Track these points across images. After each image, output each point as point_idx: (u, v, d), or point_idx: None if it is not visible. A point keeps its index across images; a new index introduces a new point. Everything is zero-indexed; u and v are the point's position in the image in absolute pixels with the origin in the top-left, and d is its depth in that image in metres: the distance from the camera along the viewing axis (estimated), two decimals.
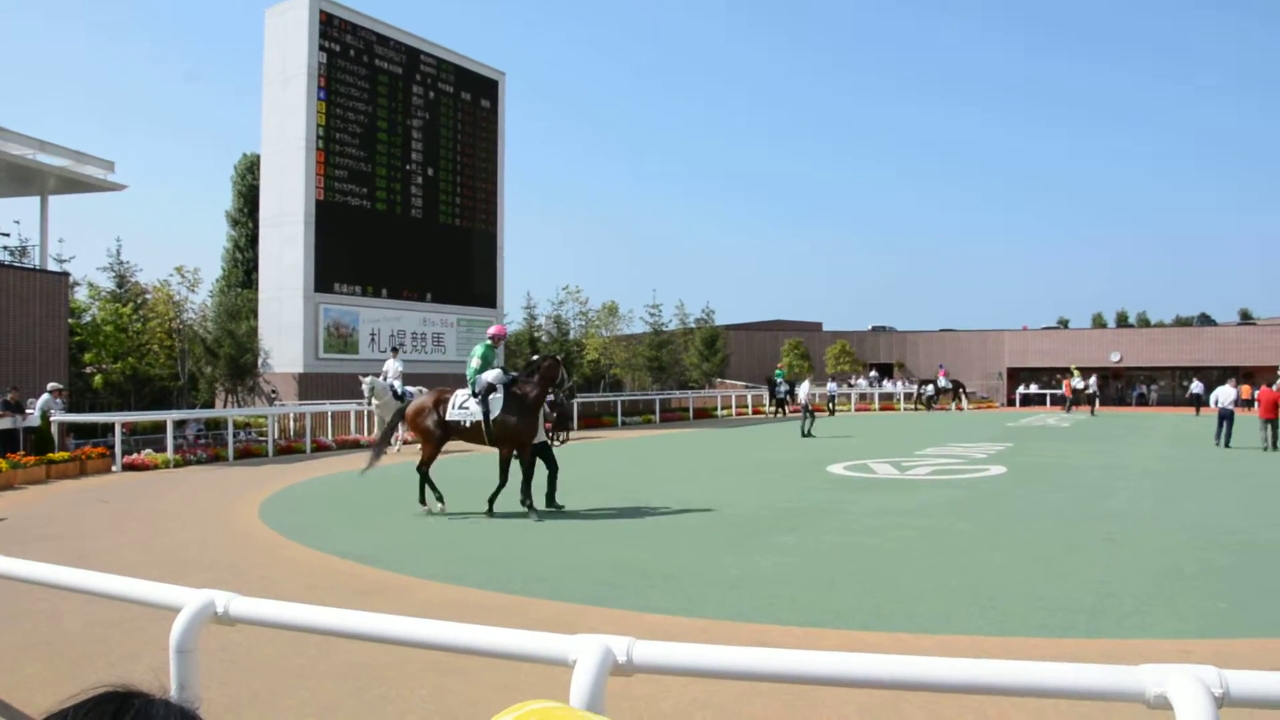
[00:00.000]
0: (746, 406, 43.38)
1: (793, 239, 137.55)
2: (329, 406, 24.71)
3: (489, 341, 12.67)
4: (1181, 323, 58.52)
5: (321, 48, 28.76)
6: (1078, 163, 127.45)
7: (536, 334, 47.79)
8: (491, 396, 11.96)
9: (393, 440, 24.07)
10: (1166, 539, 10.03)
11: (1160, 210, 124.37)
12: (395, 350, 23.49)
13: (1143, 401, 52.82)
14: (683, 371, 47.57)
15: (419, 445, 13.05)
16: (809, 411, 27.59)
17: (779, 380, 40.44)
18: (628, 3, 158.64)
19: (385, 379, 22.08)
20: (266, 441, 22.03)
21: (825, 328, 61.43)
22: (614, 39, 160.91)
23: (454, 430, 12.15)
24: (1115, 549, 9.45)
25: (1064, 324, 59.20)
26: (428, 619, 2.73)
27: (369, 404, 22.08)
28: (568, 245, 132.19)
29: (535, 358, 12.87)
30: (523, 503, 11.93)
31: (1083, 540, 9.92)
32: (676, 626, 6.66)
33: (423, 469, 12.24)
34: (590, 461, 20.07)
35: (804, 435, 26.40)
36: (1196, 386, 42.85)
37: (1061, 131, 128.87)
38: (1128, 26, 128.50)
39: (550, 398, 13.34)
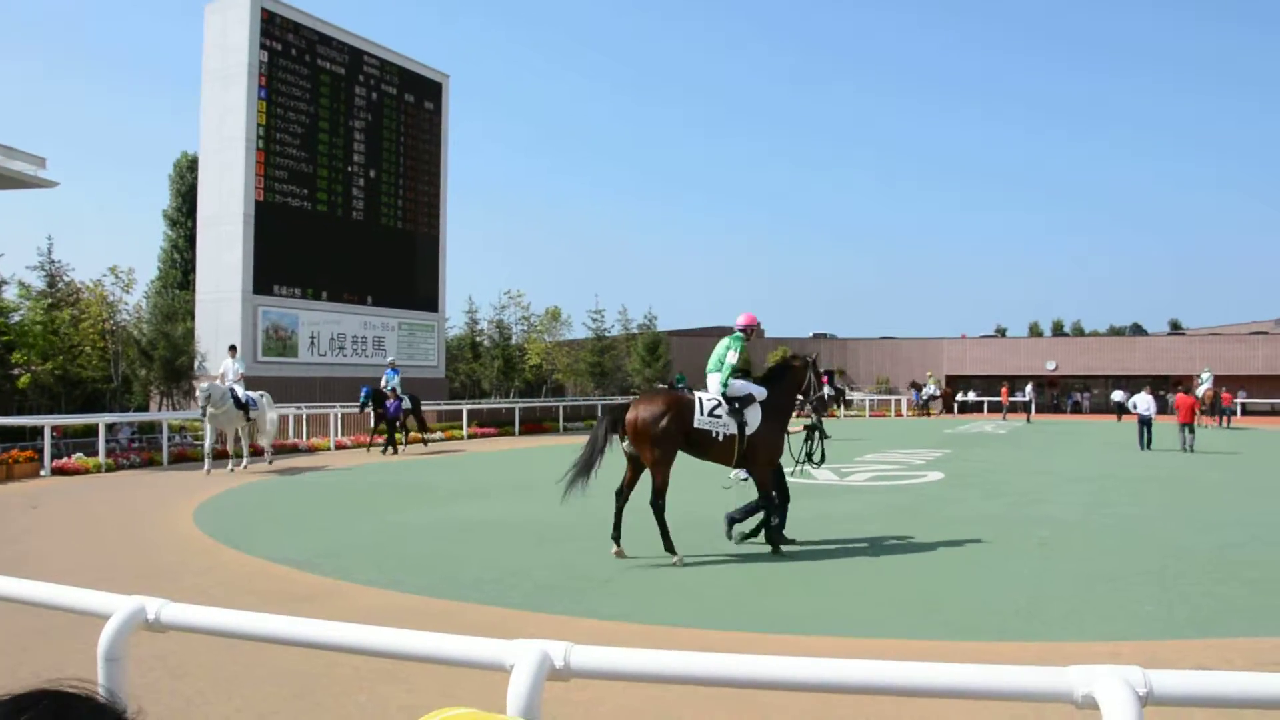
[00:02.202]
0: None
1: (736, 244, 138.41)
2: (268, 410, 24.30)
3: (740, 334, 10.19)
4: (1115, 332, 59.83)
5: (263, 46, 28.36)
6: (1018, 173, 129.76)
7: (478, 338, 47.58)
8: (749, 407, 9.79)
9: (399, 442, 24.23)
10: (1097, 543, 10.26)
11: (1095, 222, 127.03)
12: (233, 349, 20.65)
13: (1077, 409, 54.03)
14: (625, 377, 47.62)
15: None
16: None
17: (680, 385, 38.32)
18: (573, 7, 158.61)
19: (224, 382, 19.40)
20: (202, 446, 21.60)
21: (767, 334, 61.85)
22: (560, 42, 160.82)
23: (696, 442, 9.67)
24: (1049, 553, 9.64)
25: (1001, 332, 60.23)
26: (363, 624, 2.71)
27: (203, 414, 18.65)
28: (511, 249, 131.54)
29: (785, 358, 10.73)
30: (753, 532, 10.30)
31: (1018, 545, 10.10)
32: (617, 631, 6.66)
33: (659, 502, 9.48)
34: (531, 466, 20.01)
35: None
36: (1118, 395, 45.03)
37: (1003, 139, 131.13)
38: (1074, 25, 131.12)
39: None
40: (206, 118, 29.02)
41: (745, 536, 10.30)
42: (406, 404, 24.07)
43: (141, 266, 58.83)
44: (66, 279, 30.87)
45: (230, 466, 19.07)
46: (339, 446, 24.53)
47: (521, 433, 31.34)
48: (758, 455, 9.83)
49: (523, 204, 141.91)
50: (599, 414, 11.71)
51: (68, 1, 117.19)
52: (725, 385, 9.80)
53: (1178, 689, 2.12)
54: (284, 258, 28.91)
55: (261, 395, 19.23)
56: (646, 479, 9.49)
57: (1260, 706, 2.11)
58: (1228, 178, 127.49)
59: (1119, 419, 41.45)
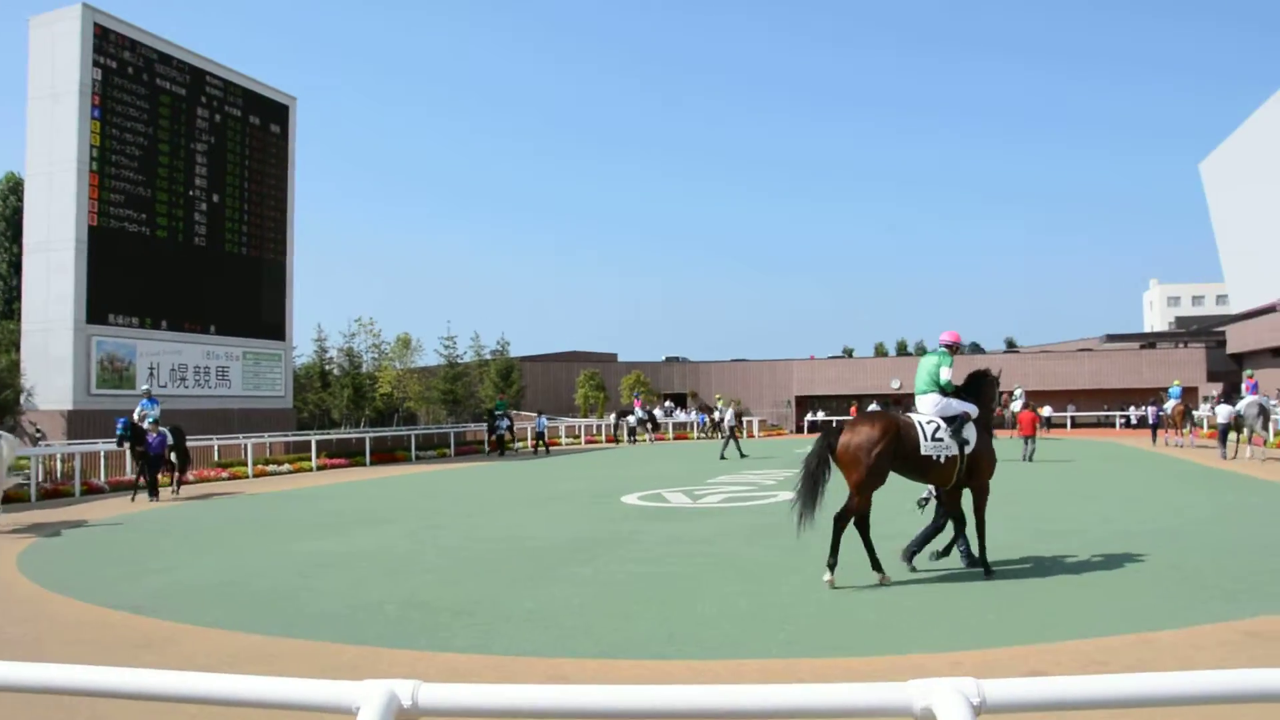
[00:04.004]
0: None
1: (587, 271, 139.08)
2: (101, 446, 23.11)
3: (944, 350, 9.90)
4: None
5: (96, 63, 27.13)
6: (862, 195, 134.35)
7: (327, 367, 46.49)
8: (966, 426, 9.43)
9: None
10: (942, 557, 10.61)
11: (935, 247, 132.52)
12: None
13: None
14: (478, 404, 47.21)
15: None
16: (730, 435, 31.29)
17: (499, 412, 36.62)
18: (422, 36, 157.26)
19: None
20: (29, 485, 20.38)
21: (620, 358, 62.35)
22: (409, 69, 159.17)
23: (917, 466, 9.31)
24: (897, 567, 9.92)
25: (849, 353, 62.06)
26: (199, 671, 2.60)
27: None
28: (361, 276, 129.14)
29: (980, 371, 10.19)
30: (958, 552, 9.92)
31: (867, 561, 10.35)
32: (470, 665, 6.57)
33: (863, 525, 9.19)
34: (383, 496, 19.62)
35: (722, 457, 29.31)
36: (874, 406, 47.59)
37: (851, 158, 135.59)
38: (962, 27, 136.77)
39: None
40: (34, 137, 27.54)
41: (938, 555, 10.07)
42: (169, 439, 20.60)
43: None
44: None
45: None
46: (181, 482, 23.47)
47: (373, 462, 30.64)
48: (980, 472, 9.57)
49: (376, 230, 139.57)
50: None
51: None
52: (945, 405, 9.45)
53: (1009, 696, 2.25)
54: (120, 285, 27.63)
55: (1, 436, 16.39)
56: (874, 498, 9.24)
57: (1086, 707, 2.24)
58: (1055, 211, 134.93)
59: None
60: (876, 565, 9.10)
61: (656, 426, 46.03)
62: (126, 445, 20.14)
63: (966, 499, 9.69)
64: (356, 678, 2.50)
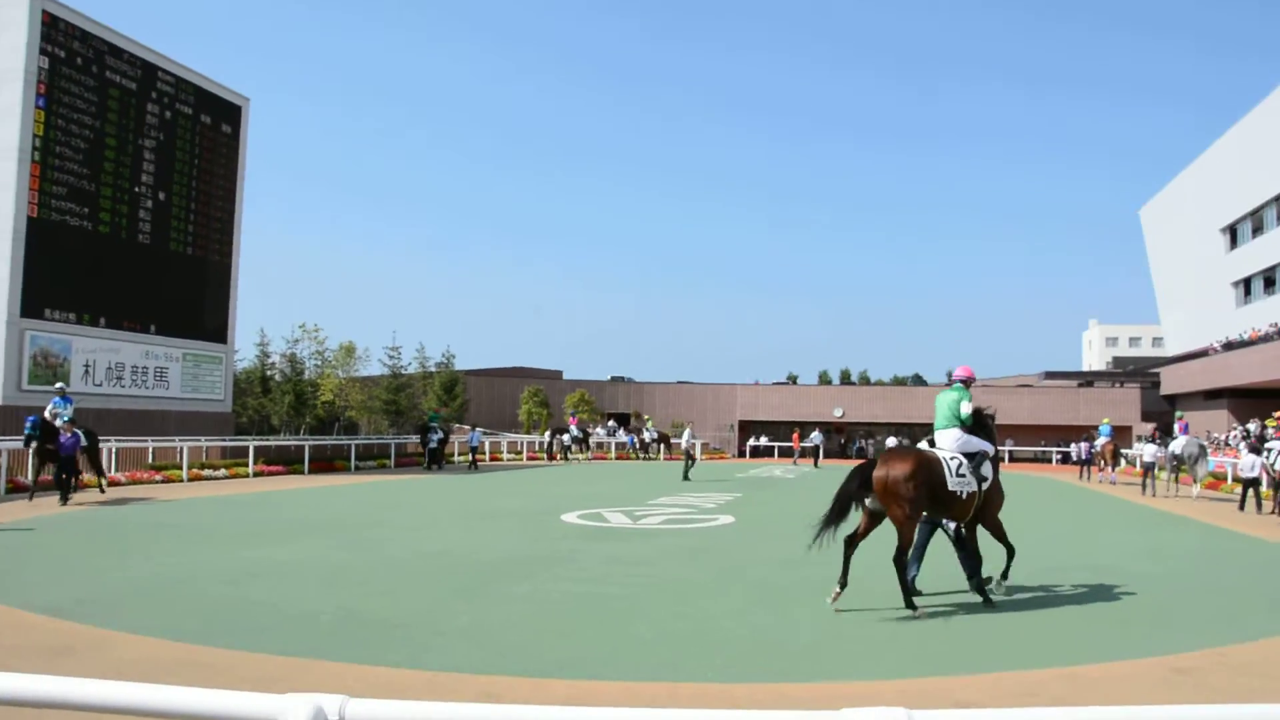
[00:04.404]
0: (484, 453, 43.07)
1: (536, 287, 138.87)
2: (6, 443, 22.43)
3: (961, 385, 10.10)
4: (898, 382, 63.05)
5: (44, 51, 26.58)
6: (803, 236, 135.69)
7: (269, 372, 45.88)
8: (984, 463, 9.64)
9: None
10: (881, 584, 10.65)
11: (879, 282, 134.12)
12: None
13: (862, 454, 56.61)
14: (421, 415, 46.82)
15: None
16: (689, 456, 31.46)
17: (433, 424, 35.41)
18: (376, 43, 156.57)
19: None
20: None
21: (566, 376, 62.29)
22: (366, 78, 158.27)
23: (942, 501, 9.38)
24: (834, 594, 9.95)
25: (793, 380, 62.52)
26: (120, 680, 2.51)
27: None
28: (308, 282, 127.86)
29: (981, 410, 10.23)
30: (971, 581, 9.87)
31: (805, 587, 10.39)
32: (402, 680, 6.46)
33: (902, 559, 9.18)
34: (320, 505, 19.35)
35: (686, 478, 29.60)
36: (891, 441, 48.16)
37: (803, 176, 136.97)
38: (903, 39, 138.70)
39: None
40: None
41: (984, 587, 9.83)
42: (83, 441, 19.72)
43: None
44: None
45: None
46: (112, 483, 22.96)
47: (312, 471, 30.22)
48: (992, 506, 9.80)
49: (324, 237, 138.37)
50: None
51: None
52: (964, 442, 9.63)
53: None
54: (59, 279, 27.01)
55: None
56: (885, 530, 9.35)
57: None
58: (1001, 248, 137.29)
59: None
60: (910, 602, 9.08)
61: (588, 445, 45.87)
62: (34, 444, 19.02)
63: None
64: (285, 690, 2.44)
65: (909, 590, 9.12)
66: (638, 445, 47.78)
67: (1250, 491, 21.89)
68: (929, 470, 9.20)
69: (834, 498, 9.37)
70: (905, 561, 9.14)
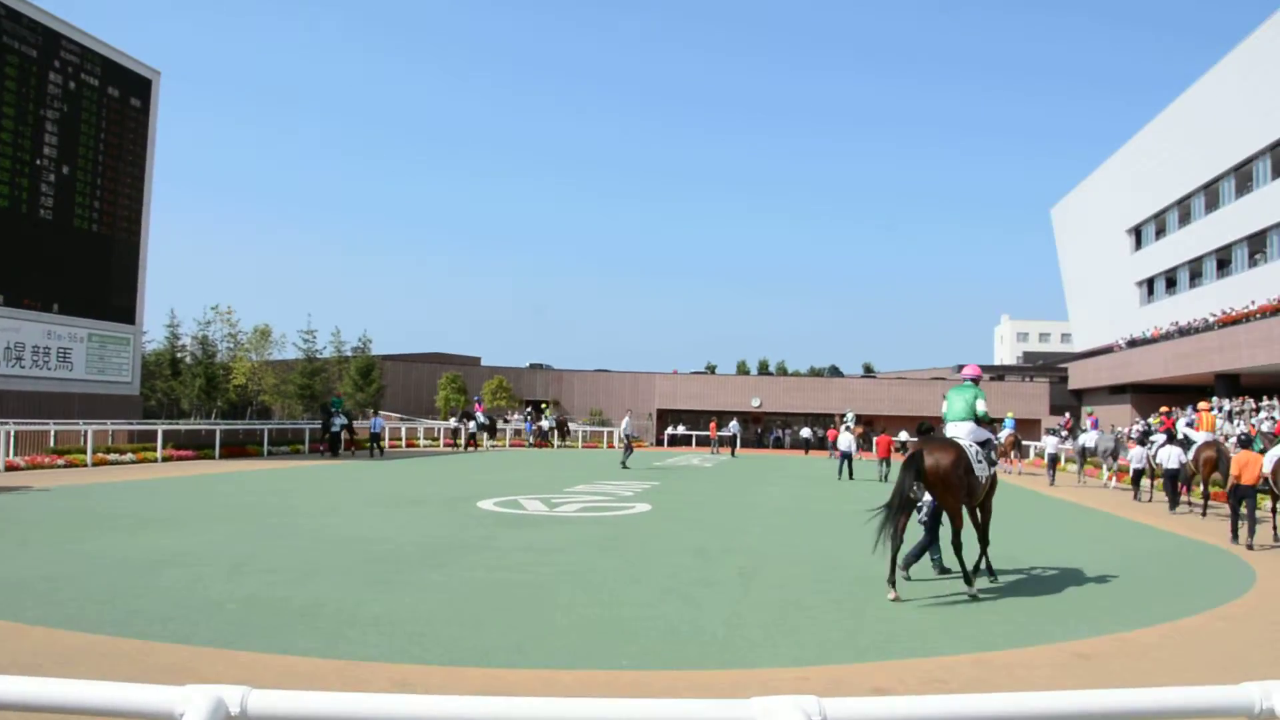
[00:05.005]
0: (400, 439, 42.58)
1: (453, 273, 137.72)
2: None
3: (972, 382, 10.98)
4: (815, 373, 63.79)
5: None
6: (729, 228, 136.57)
7: (179, 354, 44.76)
8: (991, 453, 10.43)
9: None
10: (791, 572, 10.85)
11: (797, 273, 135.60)
12: None
13: (779, 444, 57.26)
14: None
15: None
16: (627, 445, 32.02)
17: (334, 410, 34.22)
18: (296, 35, 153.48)
19: None
20: None
21: (484, 362, 61.88)
22: (285, 60, 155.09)
23: (969, 488, 9.94)
24: (747, 582, 10.08)
25: (711, 369, 62.81)
26: (11, 674, 2.43)
27: None
28: (221, 263, 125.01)
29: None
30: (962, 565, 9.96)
31: (718, 575, 10.50)
32: (311, 669, 6.37)
33: (959, 540, 9.73)
34: (230, 491, 18.96)
35: (624, 466, 30.23)
36: (805, 432, 52.32)
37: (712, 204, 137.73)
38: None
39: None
40: None
41: (973, 573, 10.01)
42: None
43: None
44: None
45: None
46: (10, 468, 22.23)
47: (223, 456, 29.57)
48: (989, 493, 10.56)
49: (238, 217, 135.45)
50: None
51: None
52: (975, 433, 10.35)
53: (848, 714, 2.30)
54: None
55: None
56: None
57: None
58: (917, 242, 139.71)
59: (806, 453, 48.95)
60: (969, 579, 9.72)
61: (494, 433, 45.48)
62: None
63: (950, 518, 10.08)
64: (188, 681, 2.38)
65: (969, 572, 9.75)
66: (535, 432, 47.76)
67: (1142, 482, 23.51)
68: (967, 457, 9.88)
69: (893, 493, 9.68)
70: (961, 543, 9.69)
